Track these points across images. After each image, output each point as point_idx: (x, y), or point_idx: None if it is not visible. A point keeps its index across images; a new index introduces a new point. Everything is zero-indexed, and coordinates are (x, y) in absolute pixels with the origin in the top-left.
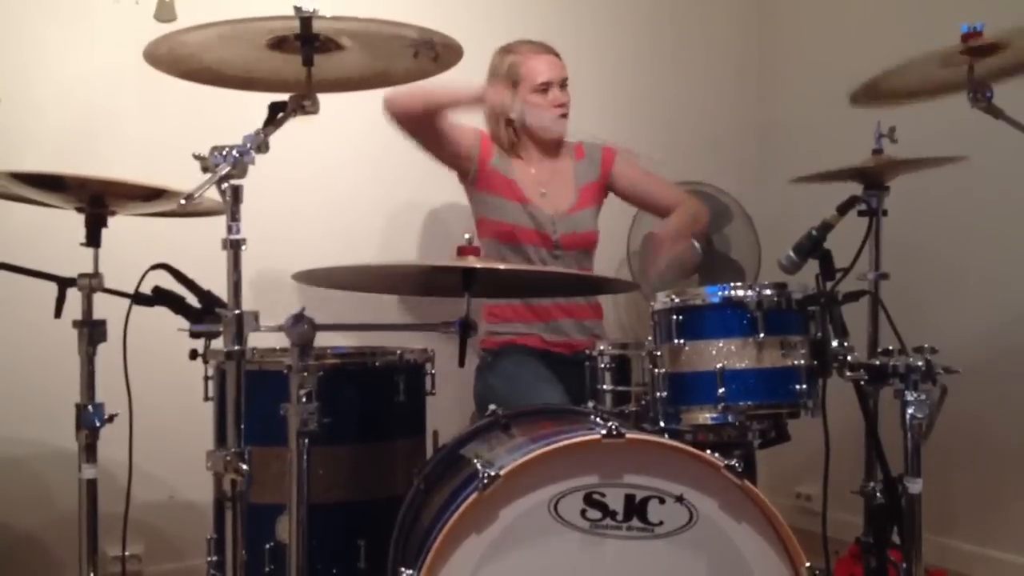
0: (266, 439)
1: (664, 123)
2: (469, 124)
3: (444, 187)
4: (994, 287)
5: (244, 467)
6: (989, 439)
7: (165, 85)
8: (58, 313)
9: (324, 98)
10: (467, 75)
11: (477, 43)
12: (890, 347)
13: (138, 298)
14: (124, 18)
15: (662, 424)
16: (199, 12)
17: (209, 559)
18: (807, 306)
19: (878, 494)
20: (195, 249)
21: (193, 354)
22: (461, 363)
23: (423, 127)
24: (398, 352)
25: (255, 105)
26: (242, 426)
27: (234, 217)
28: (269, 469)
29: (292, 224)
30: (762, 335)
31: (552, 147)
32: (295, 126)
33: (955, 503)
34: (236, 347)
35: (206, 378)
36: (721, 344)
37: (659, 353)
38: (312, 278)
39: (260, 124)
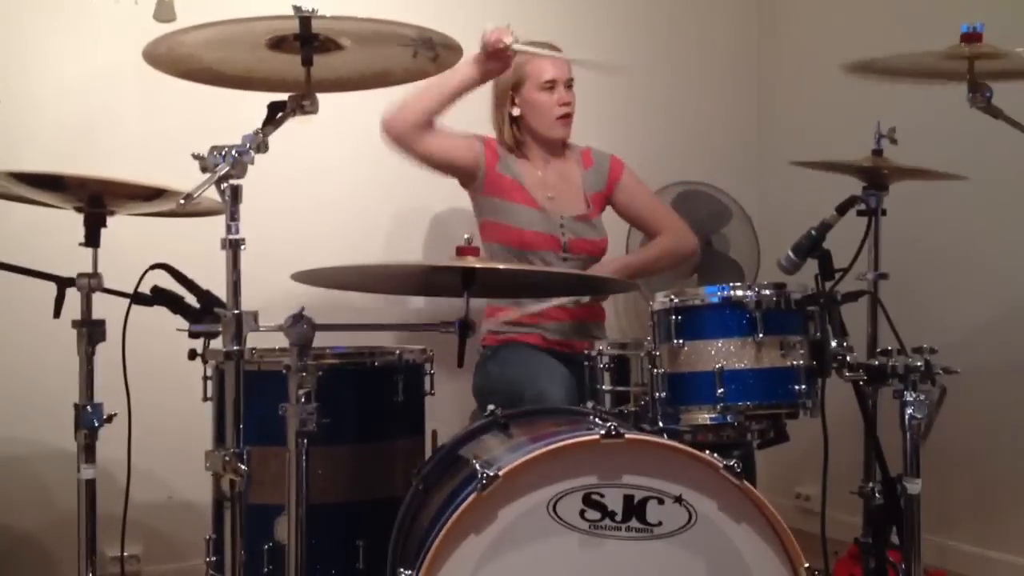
0: (265, 439)
1: (663, 122)
2: (471, 133)
3: (445, 187)
4: (994, 287)
5: (243, 467)
6: (988, 439)
7: (164, 85)
8: (57, 313)
9: (324, 98)
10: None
11: (476, 42)
12: (889, 347)
13: (137, 298)
14: (123, 18)
15: (661, 424)
16: (199, 12)
17: (208, 559)
18: (806, 306)
19: (877, 494)
20: (194, 249)
21: (192, 354)
22: (460, 363)
23: (426, 146)
24: (397, 352)
25: (254, 105)
26: (241, 426)
27: (233, 217)
28: (268, 469)
29: (292, 224)
30: (761, 335)
31: (556, 148)
32: (294, 126)
33: (954, 503)
34: (235, 347)
35: (205, 378)
36: (720, 344)
37: (658, 353)
38: (311, 278)
39: (259, 124)
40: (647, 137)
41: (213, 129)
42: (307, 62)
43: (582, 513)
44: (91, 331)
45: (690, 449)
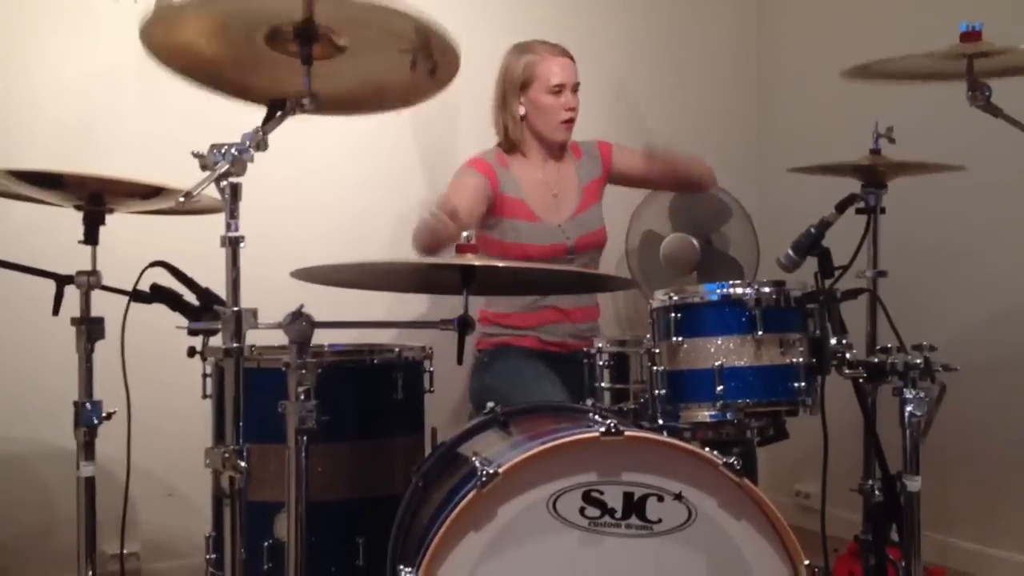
0: (265, 436)
1: (663, 122)
2: (470, 171)
3: (444, 186)
4: (993, 284)
5: (242, 464)
6: (988, 437)
7: (164, 85)
8: (56, 311)
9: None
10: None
11: (475, 43)
12: (889, 345)
13: (136, 296)
14: (123, 18)
15: (661, 422)
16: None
17: (208, 557)
18: (806, 304)
19: (877, 492)
20: (193, 247)
21: (191, 351)
22: (459, 360)
23: (463, 228)
24: (397, 349)
25: (254, 105)
26: (240, 423)
27: (233, 215)
28: (268, 466)
29: (291, 221)
30: (761, 333)
31: (557, 150)
32: (295, 124)
33: (954, 501)
34: (234, 344)
35: (204, 375)
36: (720, 342)
37: (658, 351)
38: (311, 275)
39: (259, 122)
40: (647, 137)
41: (213, 129)
42: (307, 62)
43: (582, 510)
44: (90, 329)
45: (690, 447)
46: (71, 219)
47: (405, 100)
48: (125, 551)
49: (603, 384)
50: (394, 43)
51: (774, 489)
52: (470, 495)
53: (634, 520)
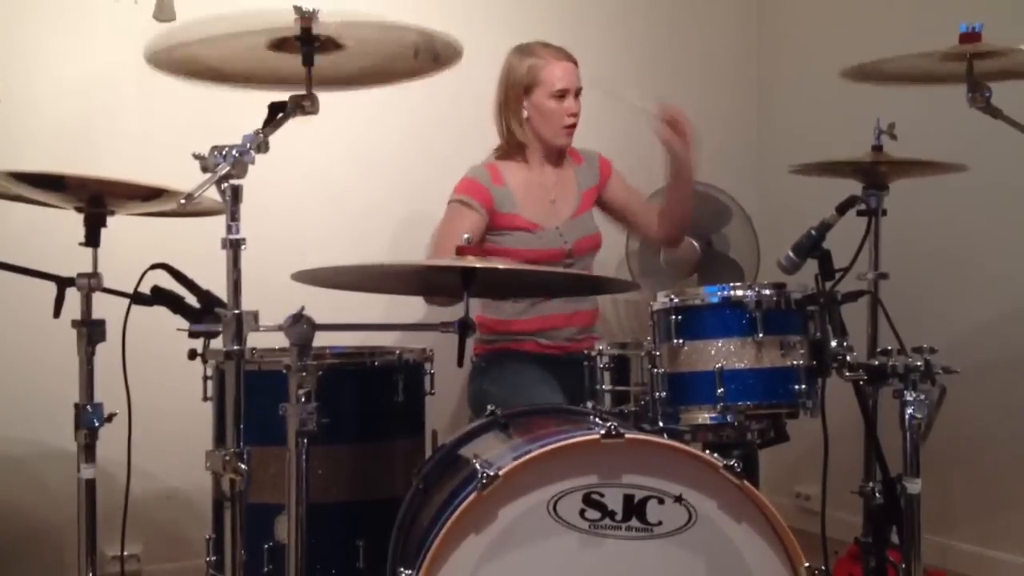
0: (265, 439)
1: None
2: (463, 223)
3: (446, 189)
4: (994, 287)
5: (243, 467)
6: (988, 439)
7: (165, 85)
8: (57, 313)
9: (325, 98)
10: (466, 74)
11: (476, 43)
12: (889, 347)
13: (137, 298)
14: (123, 18)
15: (661, 424)
16: (198, 12)
17: (208, 559)
18: (806, 306)
19: (877, 494)
20: (194, 249)
21: (192, 354)
22: (460, 363)
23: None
24: (397, 352)
25: (254, 105)
26: (241, 426)
27: (234, 217)
28: (268, 469)
29: (292, 224)
30: (761, 335)
31: (557, 155)
32: (295, 126)
33: (954, 503)
34: (235, 347)
35: (205, 378)
36: (720, 344)
37: (658, 353)
38: (312, 278)
39: (260, 124)
40: (647, 137)
41: (213, 129)
42: (308, 62)
43: (582, 513)
44: (91, 331)
45: (690, 449)
46: (72, 221)
47: (410, 79)
48: (125, 553)
49: (603, 386)
50: (396, 42)
51: (774, 491)
52: (470, 497)
53: (634, 522)
